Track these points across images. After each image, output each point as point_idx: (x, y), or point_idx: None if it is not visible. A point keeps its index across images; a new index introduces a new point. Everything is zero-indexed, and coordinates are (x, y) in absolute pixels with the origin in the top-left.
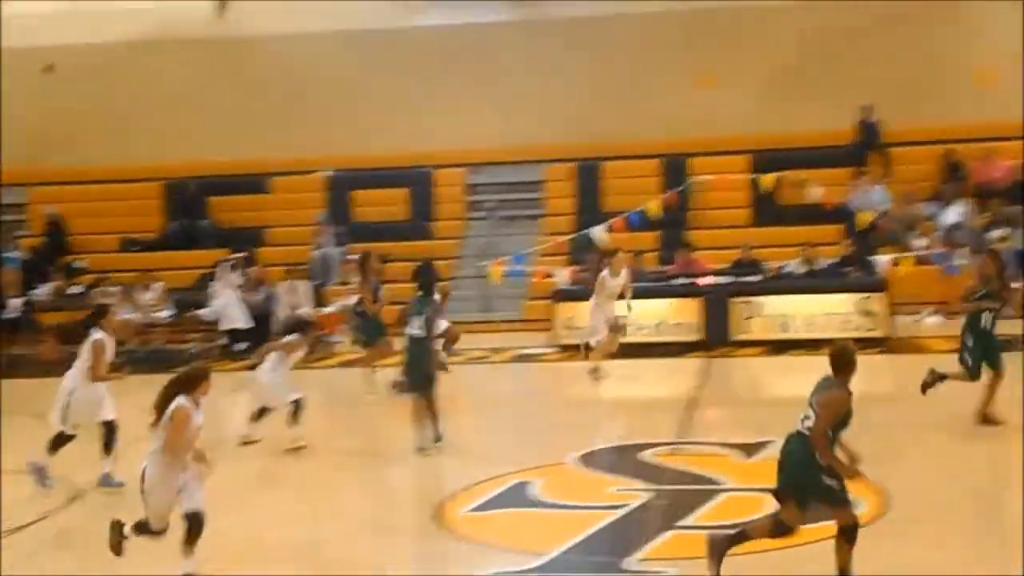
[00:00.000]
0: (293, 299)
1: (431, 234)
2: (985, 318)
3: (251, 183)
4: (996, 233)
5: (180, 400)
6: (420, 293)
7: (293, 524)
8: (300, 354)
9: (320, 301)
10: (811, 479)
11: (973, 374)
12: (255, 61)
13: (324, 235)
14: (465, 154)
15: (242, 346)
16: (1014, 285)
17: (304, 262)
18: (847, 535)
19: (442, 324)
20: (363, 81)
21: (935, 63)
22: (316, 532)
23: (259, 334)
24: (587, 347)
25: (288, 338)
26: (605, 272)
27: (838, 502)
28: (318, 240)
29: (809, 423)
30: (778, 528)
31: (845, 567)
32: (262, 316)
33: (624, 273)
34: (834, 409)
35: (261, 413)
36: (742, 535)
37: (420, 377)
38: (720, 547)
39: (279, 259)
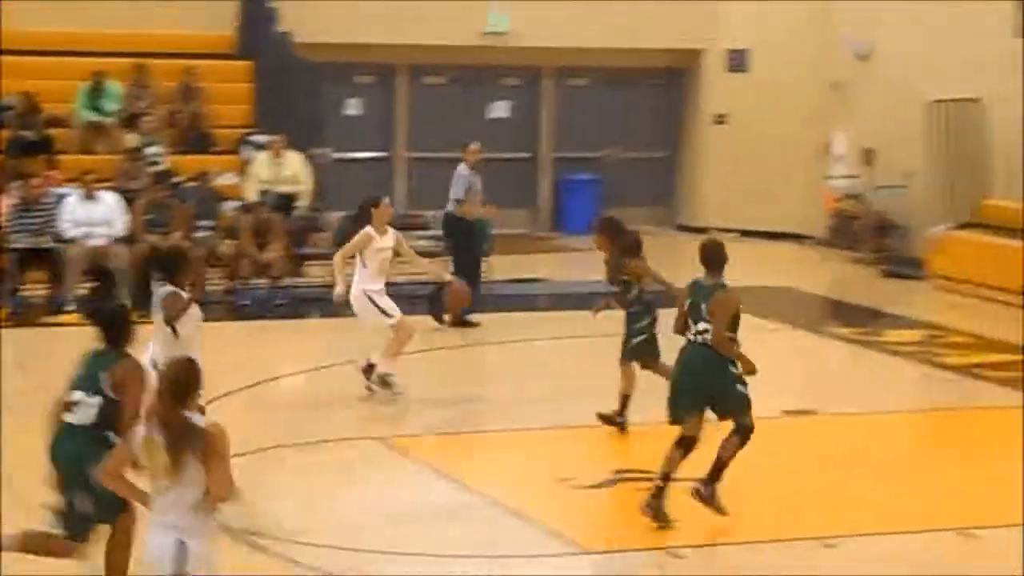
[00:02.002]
0: None
1: None
2: None
3: None
4: None
5: None
6: None
7: None
8: None
9: None
10: (727, 388)
11: None
12: None
13: None
14: None
15: None
16: None
17: None
18: (743, 436)
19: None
20: None
21: None
22: None
23: None
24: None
25: None
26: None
27: (747, 406)
28: None
29: (707, 334)
30: (690, 445)
31: (727, 462)
32: None
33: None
34: (729, 310)
35: None
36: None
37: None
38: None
39: None
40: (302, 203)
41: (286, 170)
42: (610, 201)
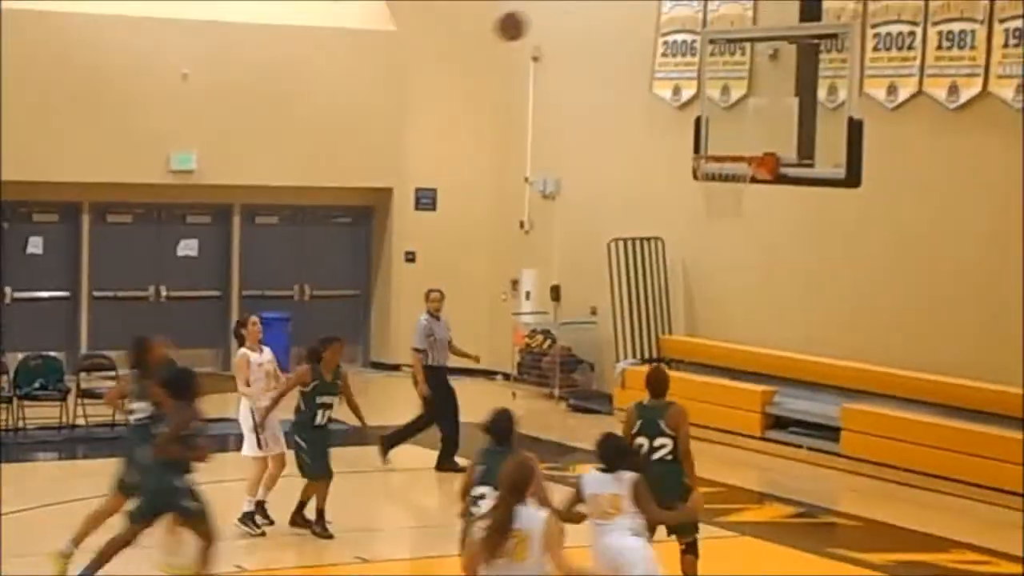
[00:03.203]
0: None
1: None
2: None
3: None
4: None
5: None
6: None
7: None
8: None
9: None
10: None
11: None
12: None
13: None
14: None
15: None
16: None
17: None
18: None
19: None
20: None
21: None
22: None
23: None
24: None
25: None
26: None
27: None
28: None
29: (666, 449)
30: None
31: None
32: None
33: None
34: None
35: None
36: None
37: None
38: None
39: None
40: None
41: None
42: (301, 339)
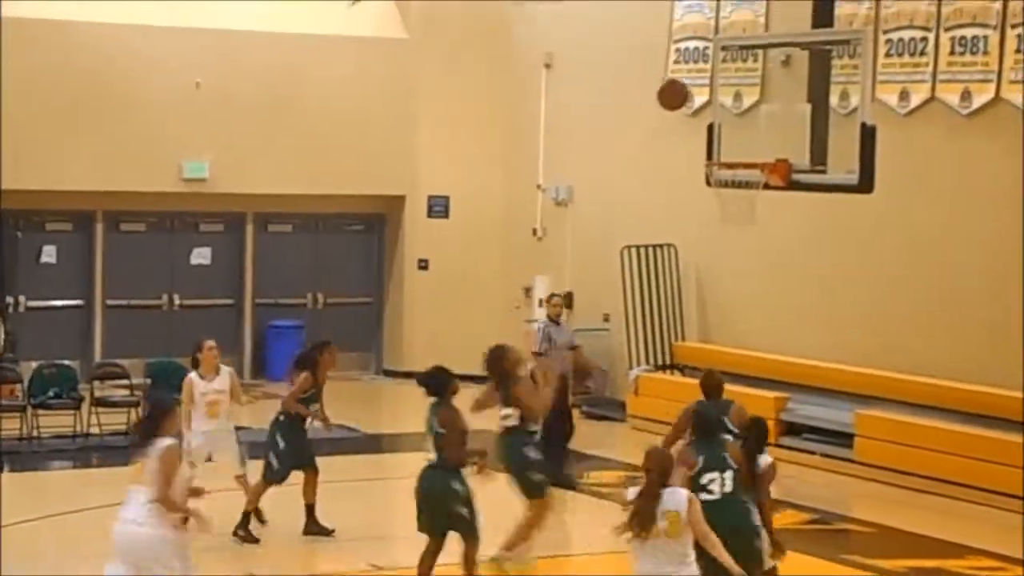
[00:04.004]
0: None
1: None
2: None
3: None
4: None
5: None
6: None
7: None
8: None
9: None
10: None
11: None
12: None
13: None
14: None
15: None
16: None
17: None
18: None
19: None
20: None
21: None
22: None
23: None
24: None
25: None
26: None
27: None
28: None
29: (728, 486)
30: None
31: None
32: None
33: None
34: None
35: None
36: None
37: None
38: None
39: None
40: None
41: None
42: None
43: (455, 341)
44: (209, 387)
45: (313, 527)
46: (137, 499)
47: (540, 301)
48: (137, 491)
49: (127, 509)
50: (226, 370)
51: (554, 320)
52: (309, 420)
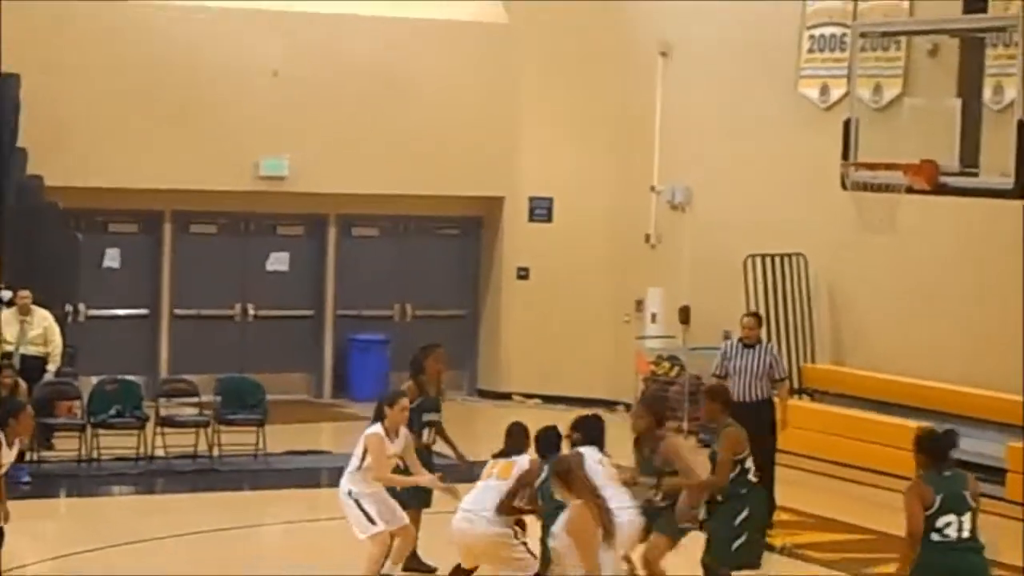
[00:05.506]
0: None
1: None
2: None
3: None
4: None
5: None
6: None
7: None
8: None
9: None
10: None
11: None
12: None
13: None
14: None
15: None
16: None
17: None
18: None
19: None
20: None
21: None
22: None
23: None
24: None
25: None
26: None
27: None
28: None
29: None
30: None
31: None
32: None
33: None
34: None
35: None
36: None
37: None
38: None
39: None
40: (52, 366)
41: (34, 329)
42: (402, 364)
43: (557, 359)
44: (392, 448)
45: (415, 563)
46: None
47: (652, 316)
48: None
49: None
50: (404, 432)
51: (748, 344)
52: (430, 436)
